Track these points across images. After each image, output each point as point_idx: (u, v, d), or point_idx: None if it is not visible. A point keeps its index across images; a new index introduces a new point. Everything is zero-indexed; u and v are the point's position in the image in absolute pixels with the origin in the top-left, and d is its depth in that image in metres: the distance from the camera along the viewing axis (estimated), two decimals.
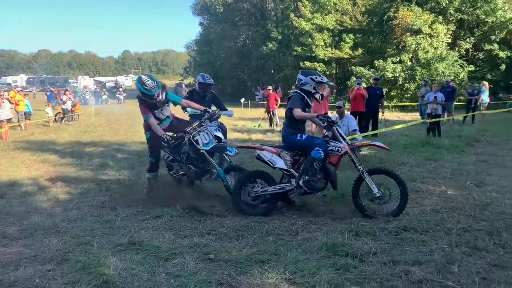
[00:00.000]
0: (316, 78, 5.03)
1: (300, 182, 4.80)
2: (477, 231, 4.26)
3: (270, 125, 15.65)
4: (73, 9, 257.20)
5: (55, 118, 19.90)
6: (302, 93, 5.05)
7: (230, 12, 40.74)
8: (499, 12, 23.88)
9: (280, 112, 18.42)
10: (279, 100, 15.89)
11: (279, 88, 33.02)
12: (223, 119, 6.86)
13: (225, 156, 5.85)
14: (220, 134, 5.76)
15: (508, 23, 24.21)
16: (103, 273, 3.29)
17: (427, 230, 4.27)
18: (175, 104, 6.05)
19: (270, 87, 17.17)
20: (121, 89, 41.40)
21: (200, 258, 3.66)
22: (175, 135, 5.54)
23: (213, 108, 6.62)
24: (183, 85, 27.63)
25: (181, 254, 3.74)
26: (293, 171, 4.95)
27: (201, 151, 5.35)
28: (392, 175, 4.86)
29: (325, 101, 10.26)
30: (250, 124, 16.79)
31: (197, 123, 5.57)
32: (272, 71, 40.23)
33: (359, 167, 4.82)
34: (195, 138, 5.39)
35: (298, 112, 4.91)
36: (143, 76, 5.52)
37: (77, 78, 72.95)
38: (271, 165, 5.02)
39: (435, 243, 3.89)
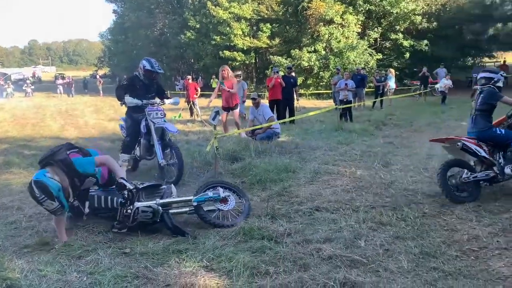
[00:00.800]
0: (503, 74, 5.25)
1: (507, 169, 4.77)
2: (382, 207, 4.61)
3: (191, 115, 15.49)
4: None
5: None
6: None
7: None
8: (402, 3, 25.69)
9: (201, 102, 18.32)
10: (199, 90, 15.75)
11: (200, 77, 32.72)
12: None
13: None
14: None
15: (410, 14, 26.15)
16: (7, 277, 3.06)
17: (338, 209, 4.55)
18: None
19: (189, 76, 16.95)
20: (28, 82, 38.29)
21: (115, 253, 3.56)
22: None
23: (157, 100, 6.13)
24: (98, 76, 26.33)
25: (94, 250, 3.60)
26: (492, 159, 4.92)
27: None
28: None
29: None
30: (170, 114, 16.44)
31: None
32: (192, 60, 39.70)
33: None
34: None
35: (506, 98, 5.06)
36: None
37: None
38: (478, 153, 4.89)
39: (345, 220, 4.16)
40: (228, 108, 9.56)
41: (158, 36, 41.28)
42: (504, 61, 31.61)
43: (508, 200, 4.73)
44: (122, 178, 3.93)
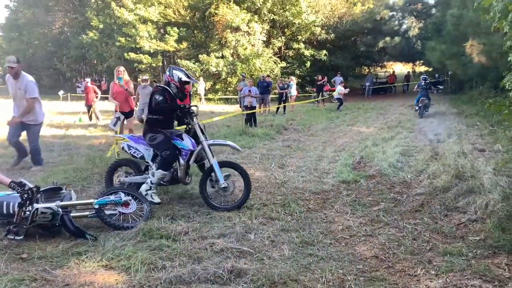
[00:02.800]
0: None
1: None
2: (273, 204, 5.11)
3: (90, 119, 14.96)
4: None
5: None
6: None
7: None
8: (303, 15, 27.33)
9: (103, 106, 17.75)
10: (99, 93, 15.25)
11: (104, 79, 31.49)
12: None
13: None
14: None
15: (311, 26, 27.91)
16: None
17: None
18: None
19: (88, 79, 16.33)
20: None
21: (11, 259, 3.54)
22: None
23: None
24: None
25: None
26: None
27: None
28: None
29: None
30: (69, 119, 15.76)
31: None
32: (95, 62, 38.00)
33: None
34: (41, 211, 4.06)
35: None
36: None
37: None
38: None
39: (239, 218, 4.56)
40: (123, 114, 8.53)
41: (57, 35, 38.88)
42: (393, 71, 35.16)
43: (379, 195, 5.50)
44: (13, 181, 3.93)
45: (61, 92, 22.76)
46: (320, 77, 23.42)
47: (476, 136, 9.83)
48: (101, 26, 30.52)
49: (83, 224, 4.47)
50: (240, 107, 18.12)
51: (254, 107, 14.08)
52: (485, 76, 17.00)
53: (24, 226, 3.91)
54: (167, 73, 5.18)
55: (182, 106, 5.15)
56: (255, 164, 7.57)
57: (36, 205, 3.96)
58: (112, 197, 4.42)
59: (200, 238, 3.97)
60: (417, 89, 15.91)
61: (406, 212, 4.84)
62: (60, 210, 4.07)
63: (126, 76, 9.00)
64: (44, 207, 4.01)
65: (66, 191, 4.62)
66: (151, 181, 4.99)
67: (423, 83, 15.55)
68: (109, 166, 5.48)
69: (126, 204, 4.50)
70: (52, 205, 4.06)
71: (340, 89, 19.25)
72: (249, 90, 13.92)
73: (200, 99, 24.09)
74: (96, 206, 4.26)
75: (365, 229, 4.30)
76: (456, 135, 10.20)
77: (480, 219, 4.41)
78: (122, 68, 9.07)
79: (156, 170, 4.98)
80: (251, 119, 13.40)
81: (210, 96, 26.44)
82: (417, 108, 15.19)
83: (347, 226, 4.41)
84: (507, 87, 3.95)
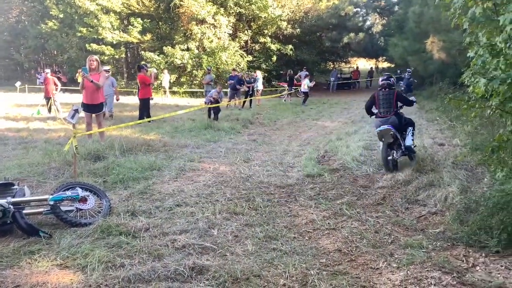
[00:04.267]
0: None
1: None
2: (238, 199, 5.05)
3: (49, 111, 14.36)
4: None
5: None
6: None
7: None
8: (269, 9, 27.24)
9: (65, 98, 17.13)
10: (59, 84, 14.67)
11: (60, 72, 30.38)
12: None
13: None
14: None
15: (277, 20, 27.86)
16: None
17: (197, 203, 4.86)
18: None
19: (48, 70, 15.67)
20: None
21: None
22: None
23: None
24: None
25: None
26: None
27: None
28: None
29: None
30: (27, 111, 15.09)
31: None
32: (55, 52, 36.59)
33: None
34: None
35: None
36: None
37: None
38: None
39: (202, 213, 4.47)
40: (91, 107, 8.27)
41: (14, 24, 37.16)
42: (357, 67, 35.76)
43: (343, 188, 5.55)
44: None
45: (18, 84, 21.79)
46: (291, 71, 23.46)
47: (436, 131, 10.13)
48: (61, 15, 29.37)
49: (38, 221, 4.26)
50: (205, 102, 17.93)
51: (218, 101, 13.91)
52: (444, 73, 17.53)
53: None
54: None
55: None
56: (220, 158, 7.49)
57: None
58: (68, 193, 4.24)
59: (161, 235, 3.86)
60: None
61: (369, 205, 4.90)
62: (12, 207, 3.85)
63: (97, 67, 8.26)
64: None
65: (19, 186, 4.39)
66: None
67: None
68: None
69: (83, 200, 4.33)
70: (2, 201, 3.83)
71: (307, 82, 19.36)
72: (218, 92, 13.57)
73: (165, 92, 23.63)
74: (51, 203, 4.06)
75: (328, 223, 4.32)
76: (417, 130, 10.47)
77: (439, 212, 4.52)
78: (95, 57, 8.29)
79: None
80: (213, 111, 13.18)
81: (175, 89, 25.99)
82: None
83: (311, 219, 4.41)
84: (466, 82, 4.03)
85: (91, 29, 27.07)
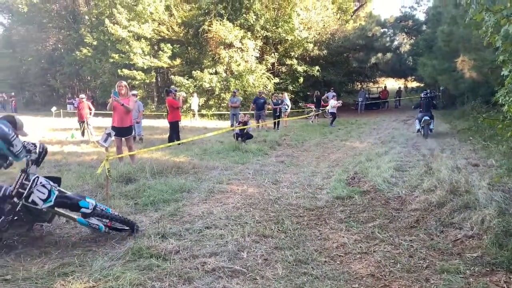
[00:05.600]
0: None
1: None
2: (267, 221, 5.01)
3: (82, 135, 14.84)
4: None
5: None
6: None
7: (36, 13, 36.81)
8: (296, 31, 27.56)
9: (97, 122, 17.66)
10: (93, 109, 15.18)
11: (95, 96, 31.47)
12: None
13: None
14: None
15: (303, 42, 28.13)
16: None
17: (226, 225, 4.85)
18: None
19: (82, 95, 16.25)
20: None
21: None
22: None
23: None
24: None
25: None
26: None
27: (44, 209, 4.17)
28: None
29: None
30: (62, 135, 15.61)
31: (20, 179, 4.14)
32: (88, 78, 37.93)
33: None
34: (32, 199, 4.06)
35: None
36: None
37: None
38: None
39: (231, 235, 4.46)
40: (120, 130, 8.47)
41: (51, 51, 38.86)
42: (385, 87, 35.43)
43: (374, 211, 5.43)
44: None
45: (53, 109, 22.63)
46: (318, 93, 23.48)
47: (470, 151, 9.83)
48: (95, 42, 30.60)
49: (73, 242, 4.35)
50: (232, 124, 18.08)
51: (246, 123, 14.02)
52: (476, 91, 17.13)
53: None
54: None
55: None
56: (248, 180, 7.49)
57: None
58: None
59: (191, 257, 3.86)
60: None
61: (402, 229, 4.76)
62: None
63: (126, 92, 8.62)
64: (44, 184, 4.11)
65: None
66: None
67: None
68: None
69: None
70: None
71: (333, 103, 19.29)
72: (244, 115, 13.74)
73: (194, 114, 24.04)
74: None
75: (360, 246, 4.22)
76: (450, 150, 10.21)
77: (476, 235, 4.35)
78: (124, 83, 8.65)
79: None
80: (243, 134, 13.29)
81: (203, 111, 26.42)
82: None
83: (342, 243, 4.32)
84: (500, 101, 3.93)
85: (123, 55, 28.03)
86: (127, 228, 4.55)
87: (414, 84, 37.73)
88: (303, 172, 8.17)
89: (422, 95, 14.22)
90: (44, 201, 4.08)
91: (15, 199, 4.03)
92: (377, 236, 4.48)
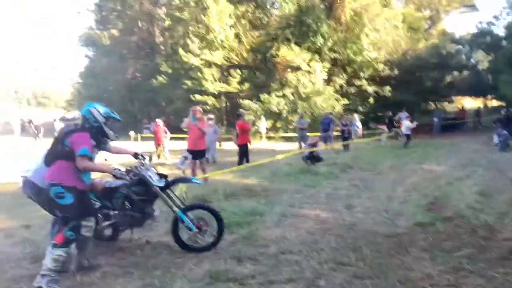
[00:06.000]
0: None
1: None
2: (344, 248, 4.83)
3: (158, 157, 15.59)
4: None
5: None
6: None
7: (117, 45, 39.87)
8: (365, 52, 27.15)
9: (171, 145, 18.42)
10: (168, 133, 15.93)
11: (169, 121, 32.97)
12: None
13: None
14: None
15: (373, 62, 27.59)
16: None
17: (301, 251, 4.73)
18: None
19: (158, 120, 17.12)
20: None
21: None
22: (128, 169, 4.74)
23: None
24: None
25: None
26: None
27: (153, 188, 4.71)
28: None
29: None
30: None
31: (139, 162, 4.89)
32: (164, 104, 39.98)
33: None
34: (149, 174, 4.75)
35: None
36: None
37: None
38: None
39: (307, 262, 4.34)
40: (195, 153, 8.68)
41: (130, 80, 41.59)
42: (462, 106, 33.50)
43: (459, 239, 5.04)
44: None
45: (131, 133, 24.02)
46: (390, 113, 22.62)
47: None
48: (169, 71, 32.28)
49: (152, 263, 4.47)
50: (300, 146, 17.96)
51: (315, 145, 13.85)
52: None
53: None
54: None
55: None
56: (321, 204, 7.33)
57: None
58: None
59: (268, 283, 3.80)
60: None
61: (493, 260, 4.35)
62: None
63: (201, 116, 9.09)
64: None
65: None
66: None
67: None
68: None
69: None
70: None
71: (408, 124, 18.48)
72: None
73: (262, 137, 24.30)
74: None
75: (447, 278, 3.91)
76: None
77: None
78: (198, 108, 9.21)
79: None
80: (312, 157, 13.11)
81: (271, 134, 26.61)
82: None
83: (427, 274, 4.03)
84: None
85: (195, 82, 29.27)
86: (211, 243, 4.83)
87: (495, 103, 35.28)
88: (378, 197, 7.85)
89: (502, 111, 15.49)
90: (157, 180, 4.75)
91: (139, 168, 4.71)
92: (466, 267, 4.13)
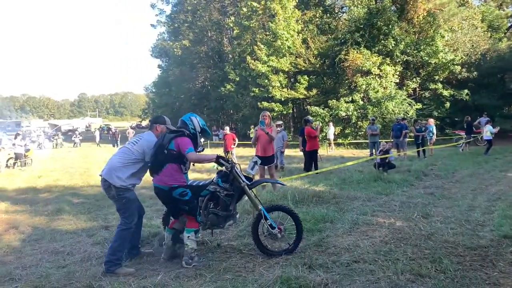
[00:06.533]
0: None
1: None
2: (421, 259, 4.56)
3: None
4: (27, 51, 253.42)
5: (6, 164, 19.18)
6: None
7: (188, 55, 41.58)
8: (440, 54, 25.79)
9: (239, 151, 18.76)
10: (236, 140, 16.22)
11: (237, 128, 33.62)
12: None
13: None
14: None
15: (449, 64, 26.13)
16: None
17: (376, 260, 4.54)
18: None
19: (227, 127, 17.49)
20: (77, 132, 40.71)
21: None
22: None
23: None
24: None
25: None
26: None
27: (242, 185, 4.91)
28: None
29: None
30: (208, 164, 16.90)
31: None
32: (231, 111, 40.93)
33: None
34: (238, 171, 4.97)
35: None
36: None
37: (30, 122, 70.97)
38: None
39: (382, 272, 4.15)
40: (264, 159, 8.74)
41: (199, 88, 43.11)
42: None
43: None
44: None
45: (202, 140, 24.78)
46: (469, 118, 21.00)
47: None
48: (237, 78, 32.97)
49: (224, 267, 4.53)
50: (371, 153, 17.39)
51: (388, 151, 13.35)
52: None
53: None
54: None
55: None
56: (395, 212, 7.01)
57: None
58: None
59: None
60: None
61: None
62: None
63: (270, 122, 9.14)
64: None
65: None
66: None
67: None
68: None
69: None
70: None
71: (490, 129, 17.15)
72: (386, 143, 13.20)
73: (330, 144, 23.91)
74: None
75: None
76: None
77: None
78: (267, 113, 9.15)
79: None
80: (384, 164, 12.65)
81: (339, 141, 26.11)
82: None
83: None
84: None
85: (263, 89, 29.58)
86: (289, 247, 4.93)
87: None
88: (458, 206, 7.35)
89: None
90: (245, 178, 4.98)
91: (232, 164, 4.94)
92: None
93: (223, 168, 4.92)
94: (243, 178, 4.95)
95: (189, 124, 4.90)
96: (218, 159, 4.80)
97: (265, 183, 8.50)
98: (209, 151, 24.73)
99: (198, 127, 4.92)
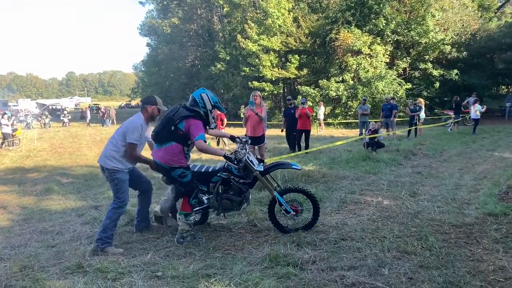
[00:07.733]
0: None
1: None
2: (408, 237, 4.65)
3: (218, 144, 15.92)
4: (13, 27, 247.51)
5: None
6: None
7: (177, 33, 40.91)
8: (431, 33, 25.74)
9: (229, 132, 18.72)
10: (225, 120, 16.15)
11: (227, 108, 33.43)
12: None
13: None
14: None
15: (439, 44, 26.11)
16: None
17: (363, 238, 4.62)
18: None
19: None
20: (65, 112, 40.19)
21: (148, 276, 3.75)
22: (234, 152, 4.91)
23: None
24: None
25: (129, 273, 3.81)
26: None
27: (255, 173, 4.86)
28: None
29: None
30: None
31: (239, 146, 5.06)
32: (222, 91, 40.62)
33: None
34: (250, 159, 4.94)
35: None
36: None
37: (17, 100, 69.85)
38: None
39: (369, 249, 4.22)
40: (254, 139, 8.79)
41: (189, 68, 42.60)
42: None
43: None
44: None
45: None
46: (458, 98, 21.18)
47: None
48: (228, 57, 32.63)
49: (213, 245, 4.57)
50: (361, 132, 17.48)
51: (376, 131, 13.42)
52: None
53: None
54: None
55: None
56: (383, 191, 7.10)
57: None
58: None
59: (328, 269, 3.74)
60: None
61: None
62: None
63: (260, 102, 9.18)
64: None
65: None
66: None
67: None
68: None
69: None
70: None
71: (479, 108, 17.31)
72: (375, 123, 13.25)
73: (320, 124, 23.96)
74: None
75: None
76: None
77: None
78: (258, 93, 9.21)
79: None
80: (373, 143, 12.72)
81: (329, 120, 26.16)
82: None
83: (500, 266, 3.77)
84: None
85: (253, 68, 29.35)
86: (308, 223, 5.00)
87: None
88: (445, 185, 7.46)
89: None
90: (257, 165, 4.92)
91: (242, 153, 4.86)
92: None
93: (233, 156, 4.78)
94: (255, 167, 4.87)
95: (199, 103, 4.68)
96: (225, 157, 4.68)
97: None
98: None
99: (209, 105, 4.71)
